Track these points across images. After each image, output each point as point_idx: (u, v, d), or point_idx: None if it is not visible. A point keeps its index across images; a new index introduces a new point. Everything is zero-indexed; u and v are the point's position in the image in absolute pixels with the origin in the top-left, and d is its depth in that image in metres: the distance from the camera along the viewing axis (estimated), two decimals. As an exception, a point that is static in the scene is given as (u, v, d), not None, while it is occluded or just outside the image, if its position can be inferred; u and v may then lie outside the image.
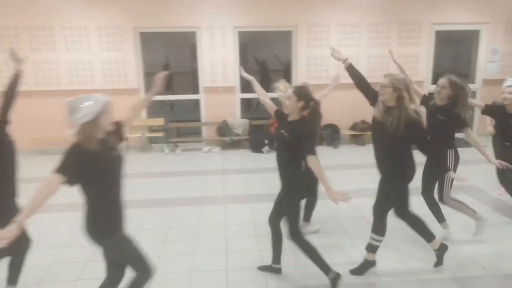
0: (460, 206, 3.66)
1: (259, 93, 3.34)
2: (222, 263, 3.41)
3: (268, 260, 3.30)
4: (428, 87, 8.26)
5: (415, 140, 2.87)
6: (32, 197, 1.97)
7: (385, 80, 2.88)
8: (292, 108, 2.82)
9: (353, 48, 7.89)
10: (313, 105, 2.83)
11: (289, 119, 2.88)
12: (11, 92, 2.82)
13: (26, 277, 3.02)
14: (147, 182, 5.78)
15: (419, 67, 8.11)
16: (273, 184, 5.42)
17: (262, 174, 5.89)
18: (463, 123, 3.39)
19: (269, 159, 7.02)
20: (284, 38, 8.26)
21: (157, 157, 7.37)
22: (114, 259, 2.38)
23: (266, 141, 7.53)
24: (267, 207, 4.51)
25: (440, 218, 3.72)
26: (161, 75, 2.66)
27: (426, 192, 3.68)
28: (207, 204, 4.80)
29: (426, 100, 3.73)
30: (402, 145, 2.88)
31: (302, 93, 2.81)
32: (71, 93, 7.33)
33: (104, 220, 2.23)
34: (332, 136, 7.80)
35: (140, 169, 6.44)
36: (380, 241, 3.13)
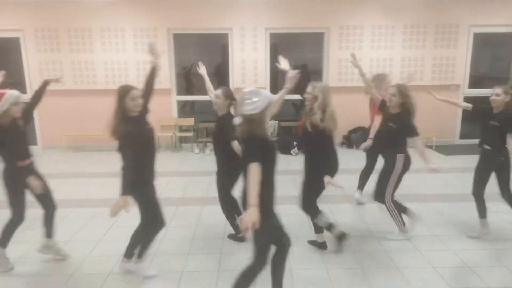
0: (395, 214, 3.73)
1: (209, 90, 3.95)
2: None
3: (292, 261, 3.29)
4: (465, 91, 7.99)
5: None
6: (250, 185, 2.24)
7: (308, 89, 3.34)
8: (221, 105, 3.50)
9: (387, 50, 7.75)
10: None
11: (219, 114, 3.54)
12: (149, 84, 3.21)
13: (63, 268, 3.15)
14: (176, 180, 5.89)
15: (456, 71, 7.85)
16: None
17: (289, 176, 5.85)
18: (413, 132, 3.50)
19: (297, 161, 6.98)
20: (315, 40, 8.20)
21: (186, 156, 7.50)
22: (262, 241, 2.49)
23: (295, 143, 7.50)
24: (296, 209, 4.49)
25: (405, 211, 3.79)
26: (293, 74, 3.23)
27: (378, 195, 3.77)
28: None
29: (383, 105, 3.83)
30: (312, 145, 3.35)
31: (229, 94, 3.55)
32: (106, 92, 7.59)
33: (265, 205, 2.36)
34: (362, 139, 7.65)
35: (170, 167, 6.56)
36: (321, 219, 3.40)
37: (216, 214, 4.47)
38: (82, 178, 5.99)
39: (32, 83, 7.60)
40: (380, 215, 4.37)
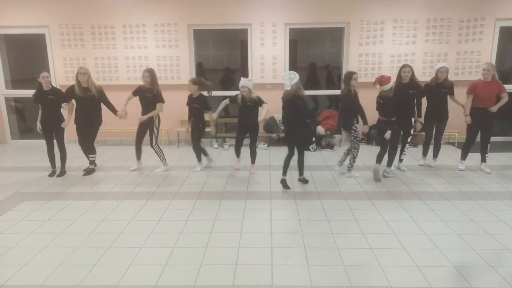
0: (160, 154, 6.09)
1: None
2: (268, 258, 3.45)
3: (310, 256, 3.32)
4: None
5: None
6: None
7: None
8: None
9: (409, 45, 7.61)
10: None
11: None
12: None
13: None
14: (195, 174, 5.97)
15: (481, 66, 7.63)
16: (318, 182, 5.41)
17: (307, 172, 5.86)
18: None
19: (315, 157, 6.97)
20: (335, 35, 8.13)
21: (206, 151, 7.56)
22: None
23: (314, 139, 7.48)
24: (312, 204, 4.51)
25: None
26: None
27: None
28: (253, 199, 4.88)
29: None
30: None
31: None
32: (128, 88, 7.70)
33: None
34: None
35: (189, 162, 6.65)
36: None
37: (233, 209, 4.54)
38: (104, 172, 6.16)
39: (57, 78, 7.80)
40: (396, 212, 4.34)
